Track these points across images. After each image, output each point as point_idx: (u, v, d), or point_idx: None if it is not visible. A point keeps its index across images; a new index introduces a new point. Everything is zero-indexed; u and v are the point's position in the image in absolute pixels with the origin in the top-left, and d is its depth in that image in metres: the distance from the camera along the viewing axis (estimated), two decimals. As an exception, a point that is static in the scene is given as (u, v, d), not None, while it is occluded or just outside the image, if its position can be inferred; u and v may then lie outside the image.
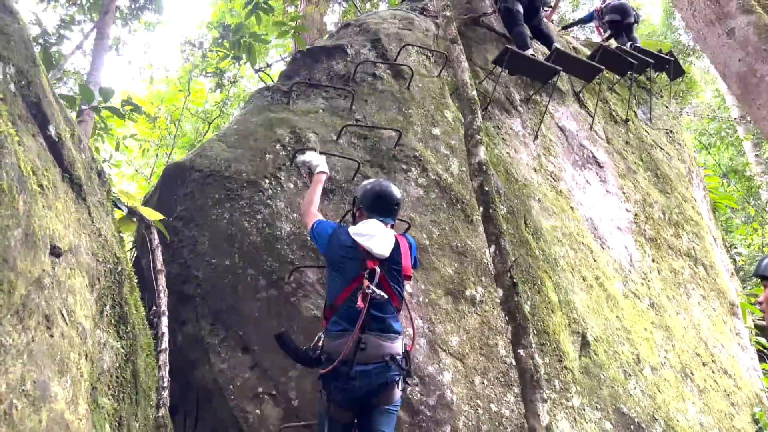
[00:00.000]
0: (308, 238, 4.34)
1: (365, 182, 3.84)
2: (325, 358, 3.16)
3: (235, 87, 14.28)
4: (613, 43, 10.50)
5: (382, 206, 3.58)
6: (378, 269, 3.25)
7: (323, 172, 4.02)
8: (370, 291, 3.10)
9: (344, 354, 3.03)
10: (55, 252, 2.07)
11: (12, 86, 2.20)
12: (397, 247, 3.41)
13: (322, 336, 3.29)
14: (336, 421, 3.21)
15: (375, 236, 3.35)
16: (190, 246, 4.37)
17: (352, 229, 3.42)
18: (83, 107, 5.78)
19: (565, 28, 11.64)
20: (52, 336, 1.89)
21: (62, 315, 2.01)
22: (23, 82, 2.32)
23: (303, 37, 8.27)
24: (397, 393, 3.26)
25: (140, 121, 10.74)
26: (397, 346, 3.26)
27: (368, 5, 13.72)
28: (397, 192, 3.68)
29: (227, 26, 8.72)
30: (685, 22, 4.66)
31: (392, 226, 3.61)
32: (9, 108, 2.07)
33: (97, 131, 7.89)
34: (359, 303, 3.10)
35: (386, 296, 3.18)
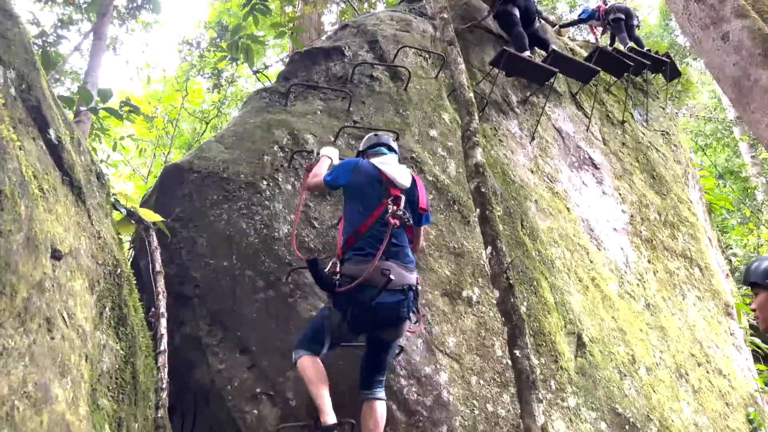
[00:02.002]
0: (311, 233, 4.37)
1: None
2: (345, 282, 3.26)
3: (233, 87, 14.30)
4: (612, 42, 10.58)
5: (383, 141, 3.97)
6: (402, 196, 3.53)
7: (328, 157, 4.16)
8: (401, 213, 3.37)
9: (366, 276, 3.16)
10: (56, 255, 2.09)
11: (12, 90, 2.21)
12: (414, 182, 3.71)
13: (339, 263, 3.43)
14: (338, 337, 3.41)
15: (394, 167, 3.65)
16: (188, 247, 4.39)
17: (374, 160, 3.71)
18: (81, 108, 5.79)
19: (562, 27, 11.64)
20: (53, 338, 1.91)
21: (63, 317, 2.03)
22: (23, 86, 2.33)
23: (300, 37, 8.29)
24: (406, 327, 3.48)
25: (138, 120, 10.76)
26: (414, 277, 3.46)
27: (366, 5, 13.75)
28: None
29: (225, 26, 8.75)
30: (680, 26, 4.68)
31: None
32: (10, 113, 2.08)
33: (94, 131, 7.90)
34: (394, 221, 3.31)
35: (412, 221, 3.50)
